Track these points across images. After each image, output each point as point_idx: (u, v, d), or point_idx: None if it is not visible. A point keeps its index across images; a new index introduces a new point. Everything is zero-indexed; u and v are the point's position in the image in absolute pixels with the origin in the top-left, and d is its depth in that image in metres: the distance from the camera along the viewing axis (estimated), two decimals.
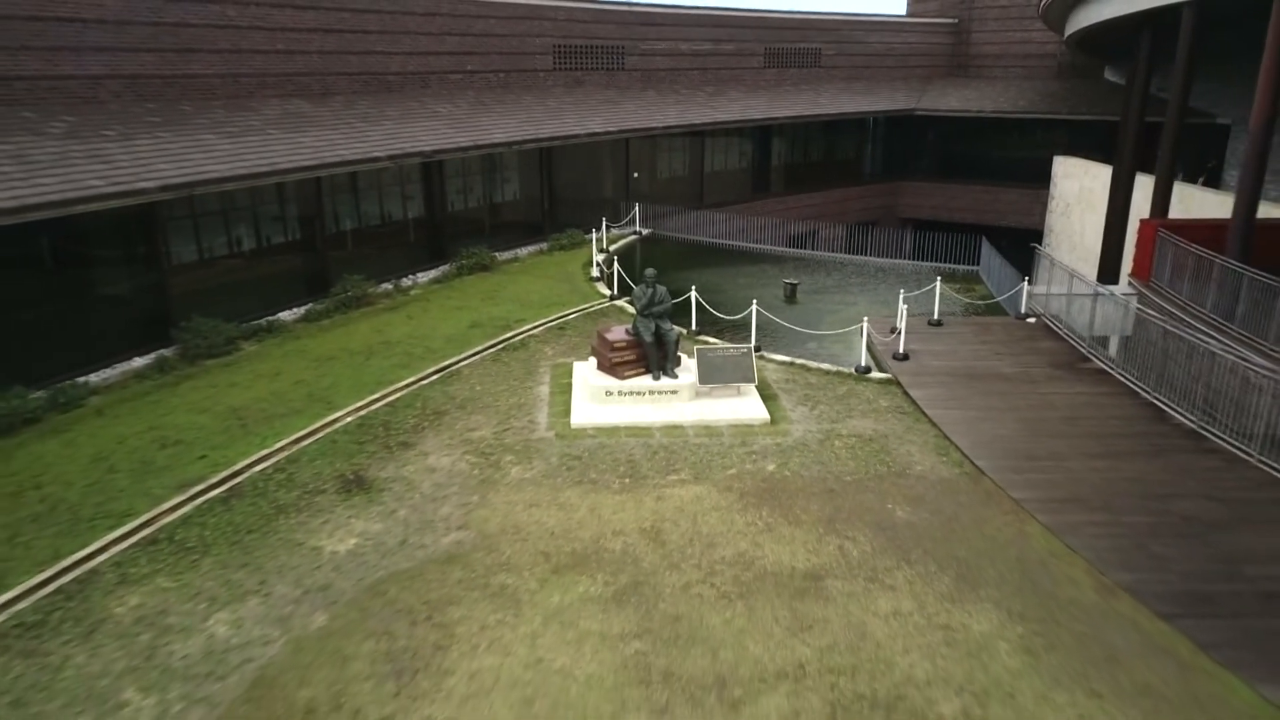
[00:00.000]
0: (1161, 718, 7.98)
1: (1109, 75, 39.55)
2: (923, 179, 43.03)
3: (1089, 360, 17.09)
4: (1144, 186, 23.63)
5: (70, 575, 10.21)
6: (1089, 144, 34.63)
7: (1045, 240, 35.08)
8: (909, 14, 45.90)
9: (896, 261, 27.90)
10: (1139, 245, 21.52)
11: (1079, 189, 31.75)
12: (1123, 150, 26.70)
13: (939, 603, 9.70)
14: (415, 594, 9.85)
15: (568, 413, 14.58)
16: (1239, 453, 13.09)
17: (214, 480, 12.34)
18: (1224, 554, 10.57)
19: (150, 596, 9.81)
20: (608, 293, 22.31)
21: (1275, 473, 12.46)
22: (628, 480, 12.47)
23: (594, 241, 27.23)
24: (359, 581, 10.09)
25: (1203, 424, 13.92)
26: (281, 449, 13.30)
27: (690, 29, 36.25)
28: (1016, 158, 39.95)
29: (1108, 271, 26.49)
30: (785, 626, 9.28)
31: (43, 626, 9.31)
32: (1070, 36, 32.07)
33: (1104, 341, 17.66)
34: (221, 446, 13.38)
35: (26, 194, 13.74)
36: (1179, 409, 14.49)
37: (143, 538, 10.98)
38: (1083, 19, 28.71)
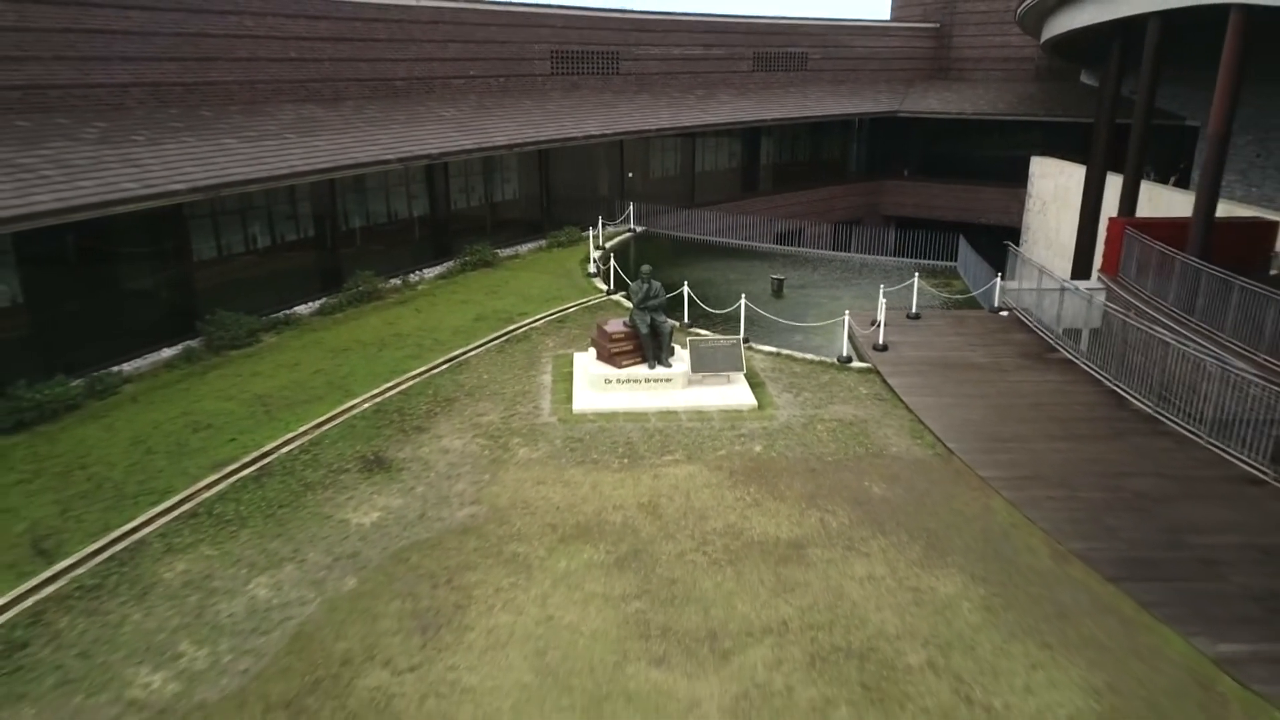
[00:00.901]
0: (1104, 666, 9.06)
1: (1085, 78, 40.60)
2: (905, 178, 44.08)
3: (1056, 351, 18.21)
4: (1115, 186, 24.71)
5: (121, 545, 11.20)
6: (1065, 144, 35.63)
7: (1023, 237, 36.13)
8: (893, 19, 46.87)
9: (879, 258, 28.97)
10: (1108, 242, 22.65)
11: (1054, 188, 32.83)
12: (1095, 151, 27.81)
13: (909, 568, 10.78)
14: (435, 561, 10.88)
15: (569, 399, 15.63)
16: (1189, 435, 14.21)
17: (245, 461, 13.35)
18: (1169, 525, 11.67)
19: (195, 563, 10.82)
20: (604, 288, 23.32)
21: (1221, 452, 13.57)
22: (626, 460, 13.51)
23: (591, 239, 28.25)
24: (384, 550, 11.11)
25: (1158, 409, 15.04)
26: (305, 433, 14.31)
27: (682, 35, 37.23)
28: (996, 158, 40.88)
29: (1081, 267, 27.60)
30: (770, 588, 10.34)
31: (100, 589, 10.31)
32: (1046, 42, 33.18)
33: (1074, 334, 18.71)
34: (249, 430, 14.38)
35: (70, 196, 14.71)
36: (1137, 395, 15.61)
37: (184, 512, 11.98)
38: (1057, 26, 29.86)
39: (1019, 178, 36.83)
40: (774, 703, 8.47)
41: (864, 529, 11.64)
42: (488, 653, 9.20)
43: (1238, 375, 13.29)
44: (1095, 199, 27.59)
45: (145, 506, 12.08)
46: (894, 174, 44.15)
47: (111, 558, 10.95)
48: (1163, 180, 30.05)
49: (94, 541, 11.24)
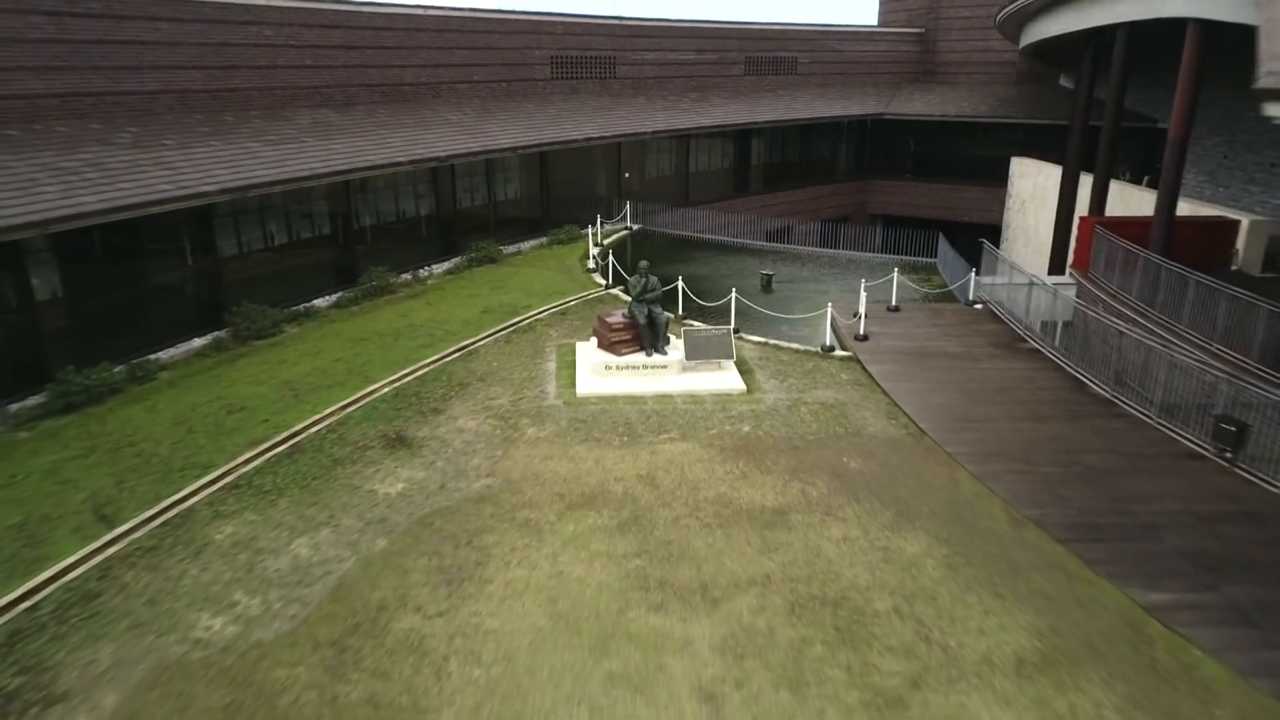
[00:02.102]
0: (1048, 613, 10.34)
1: (1063, 81, 41.84)
2: (891, 177, 45.30)
3: (1025, 341, 19.52)
4: (1089, 186, 25.98)
5: (172, 512, 12.45)
6: (1044, 145, 36.86)
7: (1003, 235, 37.43)
8: (880, 24, 48.11)
9: (864, 254, 30.25)
10: (1079, 240, 23.96)
11: (1033, 187, 34.12)
12: (1069, 153, 29.13)
13: (880, 531, 12.07)
14: (456, 525, 12.14)
15: (573, 384, 16.90)
16: (1142, 416, 15.52)
17: (278, 439, 14.59)
18: (1116, 495, 12.97)
19: (242, 527, 12.07)
20: (603, 283, 24.59)
21: (1169, 432, 14.88)
22: (626, 439, 14.79)
23: (590, 236, 29.51)
24: (409, 516, 12.36)
25: (1115, 394, 16.35)
26: (331, 414, 15.56)
27: (676, 40, 38.49)
28: (978, 158, 42.11)
29: (1057, 263, 28.90)
30: (755, 548, 11.61)
31: (159, 550, 11.56)
32: (1024, 48, 34.46)
33: (1053, 326, 19.91)
34: (280, 412, 15.63)
35: (112, 197, 15.93)
36: (1096, 381, 16.92)
37: (226, 483, 13.23)
38: (1034, 33, 31.16)
39: (1000, 178, 38.05)
40: (757, 641, 9.74)
41: (840, 498, 12.92)
42: (506, 601, 10.46)
43: (1183, 362, 14.61)
44: (1070, 198, 28.90)
45: (191, 479, 13.32)
46: (881, 174, 45.36)
47: (165, 523, 12.19)
48: (1137, 181, 31.33)
49: (148, 509, 12.48)
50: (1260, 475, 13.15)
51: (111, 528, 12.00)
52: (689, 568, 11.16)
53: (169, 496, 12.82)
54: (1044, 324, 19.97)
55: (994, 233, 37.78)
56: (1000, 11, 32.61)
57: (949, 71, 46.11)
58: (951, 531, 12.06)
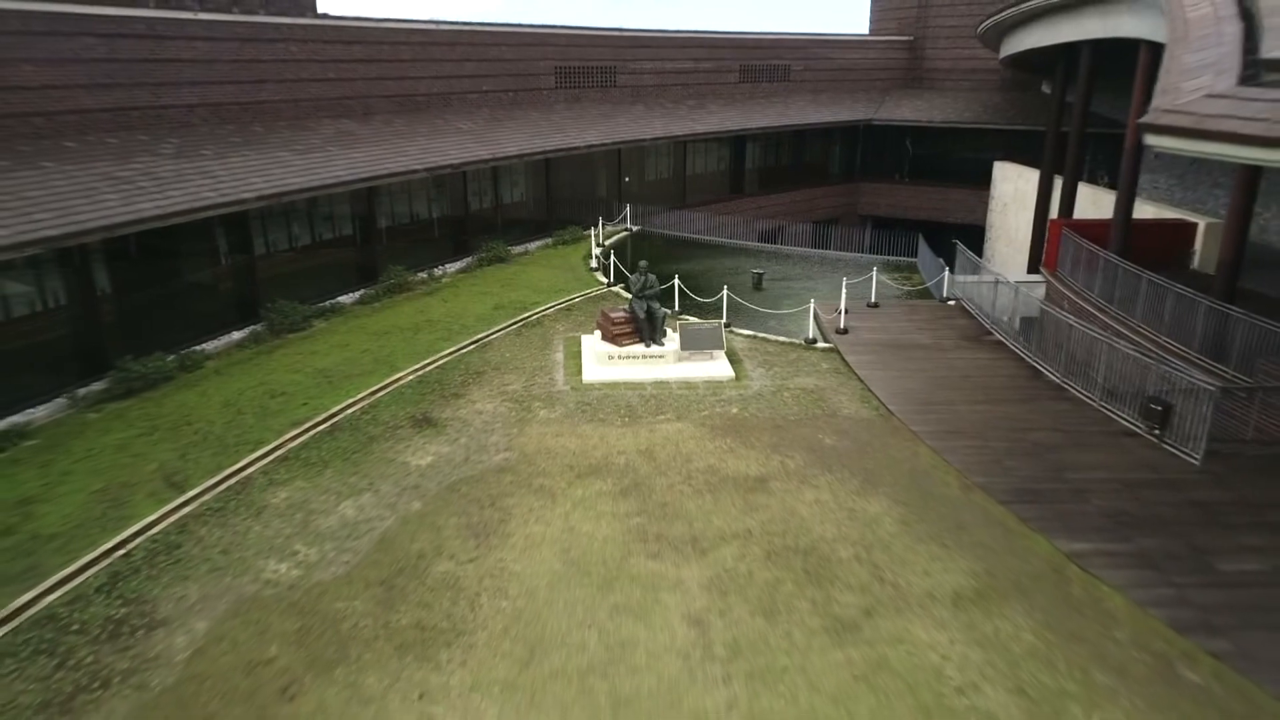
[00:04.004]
0: (986, 559, 12.19)
1: (1045, 88, 43.60)
2: (881, 180, 47.00)
3: (990, 334, 21.38)
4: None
5: (233, 480, 14.31)
6: (1026, 150, 38.41)
7: (987, 235, 39.24)
8: (871, 32, 49.94)
9: (851, 255, 32.05)
10: (1049, 241, 25.76)
11: (1014, 190, 35.93)
12: (1045, 158, 30.97)
13: (848, 495, 13.93)
14: (480, 490, 14.00)
15: (579, 372, 18.78)
16: (1086, 399, 17.38)
17: (318, 419, 16.46)
18: (1055, 465, 14.83)
19: (295, 492, 13.94)
20: (605, 281, 26.44)
21: (1108, 413, 16.73)
22: (627, 419, 16.66)
23: (592, 237, 31.37)
24: (439, 483, 14.23)
25: (1065, 380, 18.20)
26: (363, 398, 17.43)
27: (674, 50, 40.39)
28: (964, 161, 43.73)
29: (1035, 262, 30.66)
30: (739, 509, 13.47)
31: (225, 510, 13.42)
32: (1004, 59, 36.31)
33: (1013, 320, 21.76)
34: (317, 396, 17.50)
35: (165, 204, 17.80)
36: (1049, 369, 18.78)
37: (276, 457, 15.10)
38: (1011, 45, 33.06)
39: (985, 180, 39.73)
40: (738, 581, 11.60)
41: (815, 469, 14.79)
42: (526, 550, 12.33)
43: (1121, 352, 16.48)
44: (1045, 201, 30.76)
45: (245, 453, 15.19)
46: (871, 176, 47.08)
47: (228, 489, 14.06)
48: (1113, 185, 33.03)
49: (211, 477, 14.35)
50: (1182, 449, 15.02)
51: (182, 492, 13.88)
52: (682, 524, 13.01)
53: (229, 467, 14.69)
54: (1010, 318, 21.76)
55: (979, 233, 39.61)
56: (981, 24, 34.50)
57: (937, 78, 47.88)
58: (909, 496, 13.92)
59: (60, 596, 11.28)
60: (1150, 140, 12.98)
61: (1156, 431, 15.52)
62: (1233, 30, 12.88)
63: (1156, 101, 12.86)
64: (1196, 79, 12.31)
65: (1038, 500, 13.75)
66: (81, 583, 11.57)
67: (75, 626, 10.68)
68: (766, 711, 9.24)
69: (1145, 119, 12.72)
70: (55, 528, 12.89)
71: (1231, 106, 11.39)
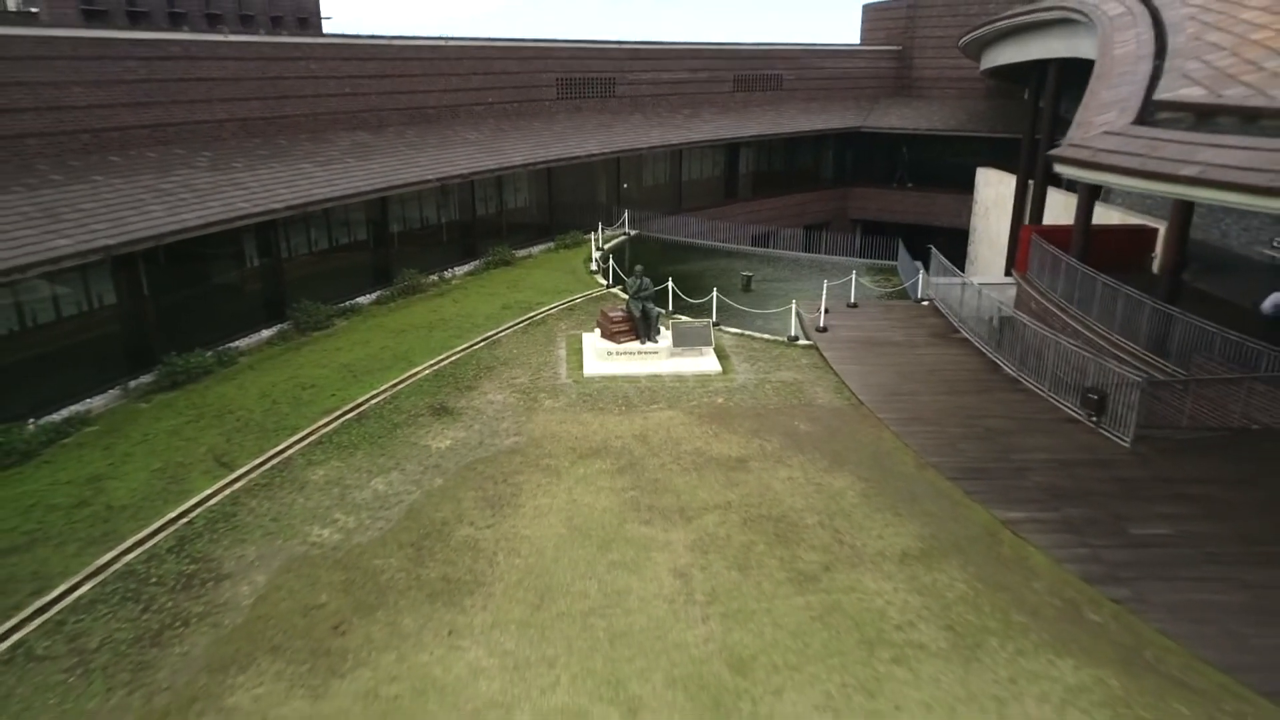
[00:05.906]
0: (931, 525, 14.06)
1: (1028, 97, 45.48)
2: (870, 185, 48.79)
3: (958, 332, 23.28)
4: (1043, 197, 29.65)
5: (275, 460, 16.21)
6: (1008, 156, 39.88)
7: (970, 238, 41.11)
8: (861, 42, 51.79)
9: (837, 258, 33.91)
10: (1020, 245, 27.61)
11: (995, 195, 37.79)
12: (1021, 165, 32.88)
13: (817, 473, 15.83)
14: (494, 469, 15.90)
15: (580, 367, 20.69)
16: (1037, 391, 19.27)
17: (346, 409, 18.36)
18: (1002, 448, 16.73)
19: (331, 471, 15.85)
20: (604, 282, 28.32)
21: (1056, 402, 18.62)
22: (624, 408, 18.57)
23: (592, 241, 33.25)
24: (458, 463, 16.13)
25: (1020, 373, 20.10)
26: (385, 390, 19.33)
27: (670, 61, 42.33)
28: (949, 167, 45.44)
29: (1012, 265, 32.57)
30: (721, 484, 15.37)
31: (270, 485, 15.33)
32: (984, 71, 38.22)
33: (980, 320, 23.54)
34: (343, 388, 19.41)
35: (206, 214, 19.71)
36: (1007, 364, 20.68)
37: (311, 441, 17.00)
38: (990, 60, 34.98)
39: (969, 185, 41.53)
40: (718, 543, 13.50)
41: (790, 451, 16.69)
42: (536, 518, 14.23)
43: (1066, 347, 18.39)
44: (1021, 206, 32.64)
45: (284, 437, 17.10)
46: (861, 181, 48.89)
47: (271, 468, 15.96)
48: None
49: (256, 458, 16.26)
50: (1115, 434, 16.93)
51: (231, 471, 15.79)
52: (671, 497, 14.92)
53: (271, 449, 16.60)
54: (990, 318, 23.57)
55: (964, 236, 41.41)
56: (962, 39, 36.41)
57: (924, 87, 49.71)
58: (871, 473, 15.82)
59: (137, 556, 13.19)
60: (1059, 169, 14.79)
61: (1094, 418, 17.43)
62: (1144, 69, 14.71)
63: (1069, 135, 14.74)
64: (1105, 114, 14.18)
65: (983, 477, 15.65)
66: (154, 545, 13.48)
67: (154, 579, 12.61)
68: (737, 643, 11.16)
69: (1055, 151, 14.57)
70: (125, 500, 14.81)
71: (1120, 143, 13.22)
